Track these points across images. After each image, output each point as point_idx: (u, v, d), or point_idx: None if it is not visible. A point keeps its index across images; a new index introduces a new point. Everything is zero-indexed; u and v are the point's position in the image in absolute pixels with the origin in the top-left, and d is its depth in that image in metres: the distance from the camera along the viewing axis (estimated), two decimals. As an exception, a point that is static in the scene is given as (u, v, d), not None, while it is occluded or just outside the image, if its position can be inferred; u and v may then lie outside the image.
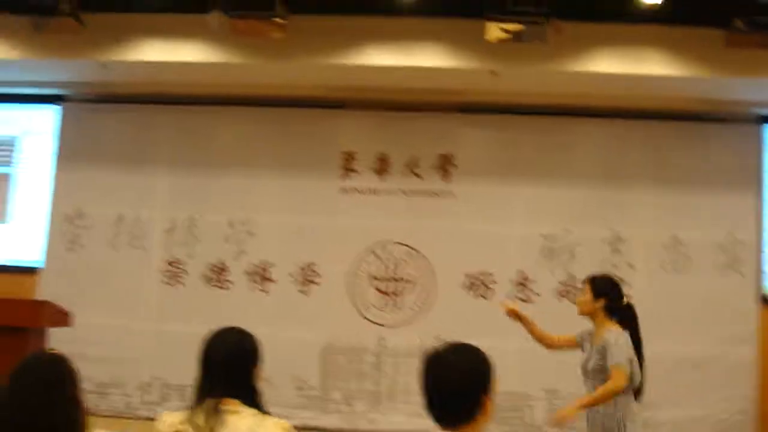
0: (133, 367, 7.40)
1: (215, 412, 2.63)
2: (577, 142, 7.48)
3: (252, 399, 2.72)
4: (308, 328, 7.14)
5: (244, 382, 2.74)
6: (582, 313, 4.80)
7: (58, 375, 2.78)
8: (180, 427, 2.64)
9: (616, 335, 4.57)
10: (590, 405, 4.52)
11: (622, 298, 4.80)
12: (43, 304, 5.63)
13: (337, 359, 7.24)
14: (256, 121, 7.66)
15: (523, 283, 7.28)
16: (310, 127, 7.55)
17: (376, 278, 7.35)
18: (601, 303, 4.72)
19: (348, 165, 7.49)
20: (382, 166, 7.47)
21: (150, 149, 7.74)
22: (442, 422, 2.36)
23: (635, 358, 4.56)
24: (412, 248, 7.34)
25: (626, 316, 4.72)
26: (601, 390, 4.52)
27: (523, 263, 7.31)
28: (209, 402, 2.66)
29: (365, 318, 7.28)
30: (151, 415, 5.65)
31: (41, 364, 2.81)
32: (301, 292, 7.34)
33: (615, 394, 4.50)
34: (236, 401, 2.67)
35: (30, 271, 7.88)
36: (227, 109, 7.67)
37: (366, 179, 7.46)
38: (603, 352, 4.54)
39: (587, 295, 4.79)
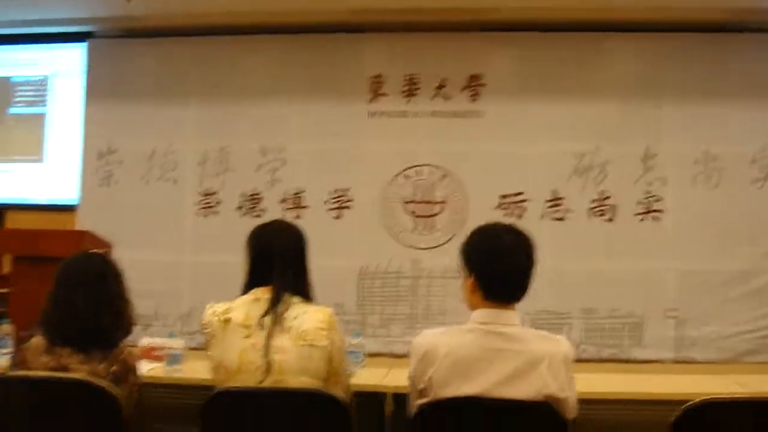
0: (172, 300, 7.49)
1: (281, 302, 2.80)
2: (606, 57, 7.36)
3: (304, 289, 2.90)
4: (343, 254, 7.17)
5: (302, 273, 2.90)
6: None
7: (100, 270, 2.92)
8: (235, 318, 2.71)
9: None
10: None
11: None
12: (84, 234, 5.81)
13: (372, 284, 7.30)
14: (282, 49, 7.60)
15: (555, 202, 7.25)
16: (337, 52, 7.49)
17: (408, 201, 7.33)
18: None
19: (376, 89, 7.43)
20: (410, 89, 7.39)
21: (178, 82, 7.74)
22: (500, 298, 2.53)
23: None
24: (443, 170, 7.32)
25: None
26: None
27: (555, 182, 7.24)
28: (270, 291, 2.81)
29: (399, 241, 7.30)
30: (193, 345, 5.72)
31: (83, 261, 2.94)
32: (336, 218, 7.39)
33: None
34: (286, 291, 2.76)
35: (67, 208, 7.99)
36: (253, 38, 7.62)
37: (394, 102, 7.39)
38: None
39: None
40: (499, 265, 2.52)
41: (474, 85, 7.35)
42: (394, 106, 7.39)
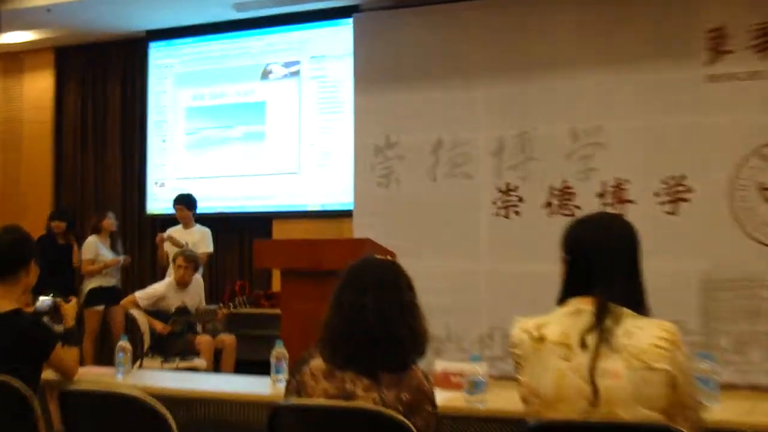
0: (467, 317, 7.06)
1: (609, 315, 2.36)
2: None
3: (637, 299, 2.44)
4: (682, 257, 6.34)
5: (635, 279, 2.46)
6: None
7: (391, 277, 2.73)
8: (551, 336, 2.43)
9: None
10: None
11: None
12: (364, 242, 5.68)
13: (721, 295, 6.35)
14: (584, 10, 6.88)
15: None
16: (662, 3, 6.64)
17: (765, 188, 6.30)
18: None
19: (716, 45, 6.45)
20: (763, 42, 6.33)
21: (463, 56, 7.32)
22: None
23: None
24: (811, 144, 6.31)
25: None
26: None
27: None
28: (594, 302, 2.42)
29: (755, 240, 6.28)
30: (495, 373, 5.09)
31: (371, 266, 2.79)
32: (669, 213, 6.53)
33: None
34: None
35: (342, 214, 7.93)
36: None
37: (742, 61, 6.37)
38: None
39: None
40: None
41: None
42: (741, 66, 6.38)
